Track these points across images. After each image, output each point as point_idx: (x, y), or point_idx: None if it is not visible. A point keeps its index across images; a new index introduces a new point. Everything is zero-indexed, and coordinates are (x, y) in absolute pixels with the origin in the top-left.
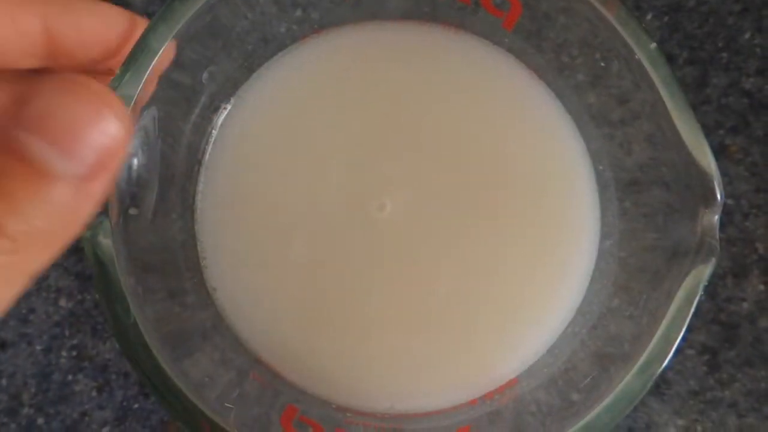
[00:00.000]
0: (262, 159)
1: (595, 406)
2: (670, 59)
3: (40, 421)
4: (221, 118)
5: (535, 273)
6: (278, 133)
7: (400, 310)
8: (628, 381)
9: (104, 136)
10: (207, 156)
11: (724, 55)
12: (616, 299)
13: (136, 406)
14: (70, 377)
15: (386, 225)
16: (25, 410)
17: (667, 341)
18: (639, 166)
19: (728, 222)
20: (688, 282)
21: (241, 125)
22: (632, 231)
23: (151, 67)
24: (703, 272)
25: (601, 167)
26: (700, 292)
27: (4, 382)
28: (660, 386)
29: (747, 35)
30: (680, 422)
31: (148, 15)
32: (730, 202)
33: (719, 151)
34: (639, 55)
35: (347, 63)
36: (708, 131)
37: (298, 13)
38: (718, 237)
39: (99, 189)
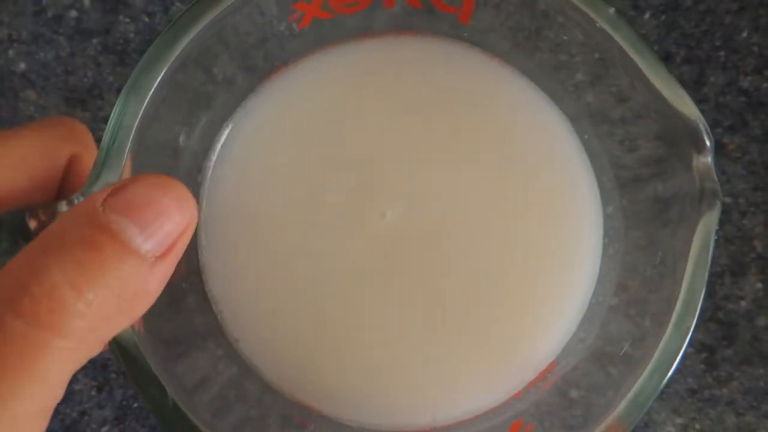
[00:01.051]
0: (263, 177)
1: (638, 371)
2: (668, 58)
3: None
4: (220, 141)
5: (546, 260)
6: (278, 151)
7: (417, 319)
8: (666, 340)
9: (178, 225)
10: (208, 178)
11: (722, 53)
12: (632, 260)
13: (135, 405)
14: None
15: (390, 235)
16: None
17: (693, 293)
18: (624, 124)
19: (726, 220)
20: (699, 231)
21: (241, 146)
22: (633, 194)
23: (129, 144)
24: (711, 218)
25: (586, 136)
26: (714, 237)
27: None
28: None
29: (744, 34)
30: (678, 420)
31: (148, 15)
32: (728, 200)
33: (717, 150)
34: (600, 23)
35: (339, 81)
36: None
37: (270, 46)
38: (716, 179)
39: (168, 268)
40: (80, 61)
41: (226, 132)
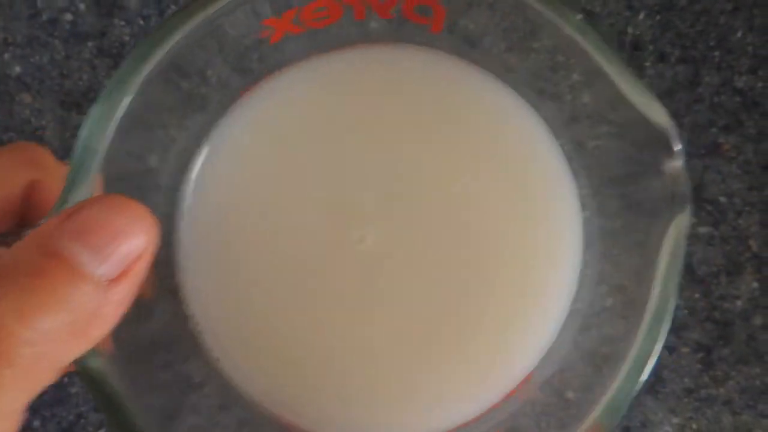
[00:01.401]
0: (240, 197)
1: (616, 374)
2: (663, 58)
3: (36, 423)
4: (199, 160)
5: (525, 271)
6: (255, 171)
7: (398, 336)
8: (638, 347)
9: (135, 246)
10: (187, 197)
11: (717, 53)
12: (609, 266)
13: None
14: (66, 379)
15: (370, 250)
16: None
17: (665, 298)
18: (596, 129)
19: (721, 220)
20: (670, 235)
21: (218, 165)
22: (607, 199)
23: (96, 164)
24: (681, 222)
25: (561, 141)
26: (685, 241)
27: None
28: (655, 385)
29: (739, 34)
30: (675, 420)
31: (143, 18)
32: (723, 200)
33: (712, 150)
34: (567, 29)
35: (314, 97)
36: (701, 130)
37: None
38: (687, 183)
39: (126, 291)
40: (75, 64)
41: (204, 150)
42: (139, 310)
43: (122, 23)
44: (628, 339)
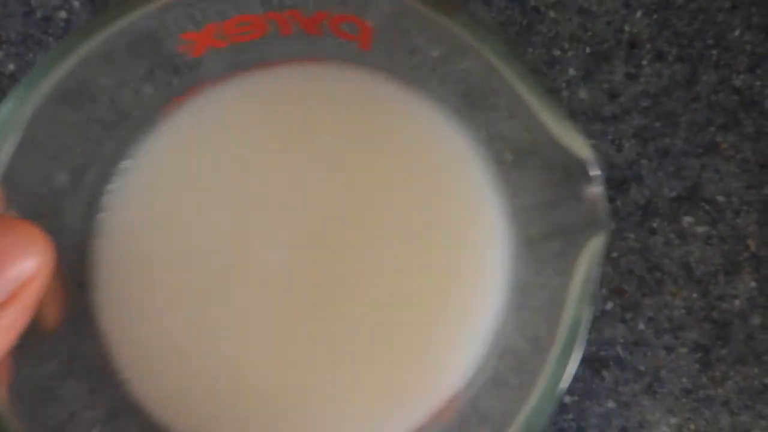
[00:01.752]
0: (156, 216)
1: (530, 396)
2: (660, 57)
3: None
4: (115, 179)
5: (449, 291)
6: (171, 190)
7: (315, 357)
8: (552, 366)
9: (24, 270)
10: (103, 216)
11: (714, 52)
12: (528, 290)
13: None
14: None
15: (286, 270)
16: None
17: (576, 325)
18: (520, 155)
19: (720, 219)
20: (582, 261)
21: (135, 184)
22: (530, 224)
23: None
24: (595, 246)
25: (485, 162)
26: (597, 266)
27: None
28: (652, 385)
29: (736, 32)
30: (673, 421)
31: None
32: (721, 199)
33: (710, 149)
34: (487, 55)
35: (235, 114)
36: (698, 129)
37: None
38: (605, 209)
39: (15, 315)
40: None
41: (120, 168)
42: (43, 337)
43: None
44: (542, 361)
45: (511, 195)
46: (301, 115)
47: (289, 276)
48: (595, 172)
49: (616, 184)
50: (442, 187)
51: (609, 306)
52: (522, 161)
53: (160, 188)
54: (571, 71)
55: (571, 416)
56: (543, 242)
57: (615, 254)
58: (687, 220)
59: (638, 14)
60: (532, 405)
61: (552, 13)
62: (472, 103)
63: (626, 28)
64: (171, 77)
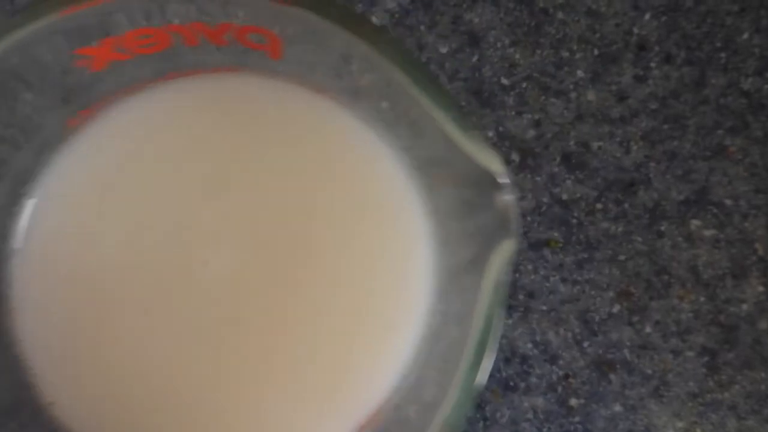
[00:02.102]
0: (74, 234)
1: (445, 399)
2: (668, 59)
3: None
4: (30, 196)
5: (373, 304)
6: (88, 207)
7: (243, 371)
8: (465, 372)
9: None
10: (18, 237)
11: (723, 55)
12: (449, 299)
13: None
14: None
15: (212, 285)
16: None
17: (487, 325)
18: (432, 166)
19: (727, 223)
20: (493, 262)
21: (50, 202)
22: (448, 236)
23: None
24: (505, 250)
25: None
26: (505, 270)
27: None
28: (659, 388)
29: (745, 35)
30: (680, 424)
31: None
32: (728, 202)
33: (718, 152)
34: (399, 74)
35: (147, 129)
36: (707, 132)
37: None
38: (516, 215)
39: None
40: None
41: (32, 187)
42: None
43: None
44: (457, 363)
45: (429, 203)
46: (211, 123)
47: (212, 290)
48: (504, 180)
49: (623, 187)
50: (358, 194)
51: (616, 309)
52: (436, 170)
53: (72, 204)
54: (580, 73)
55: (577, 419)
56: (462, 251)
57: (622, 257)
58: (695, 223)
59: (647, 16)
60: (449, 406)
61: (560, 15)
62: (382, 114)
63: (635, 30)
64: (75, 93)
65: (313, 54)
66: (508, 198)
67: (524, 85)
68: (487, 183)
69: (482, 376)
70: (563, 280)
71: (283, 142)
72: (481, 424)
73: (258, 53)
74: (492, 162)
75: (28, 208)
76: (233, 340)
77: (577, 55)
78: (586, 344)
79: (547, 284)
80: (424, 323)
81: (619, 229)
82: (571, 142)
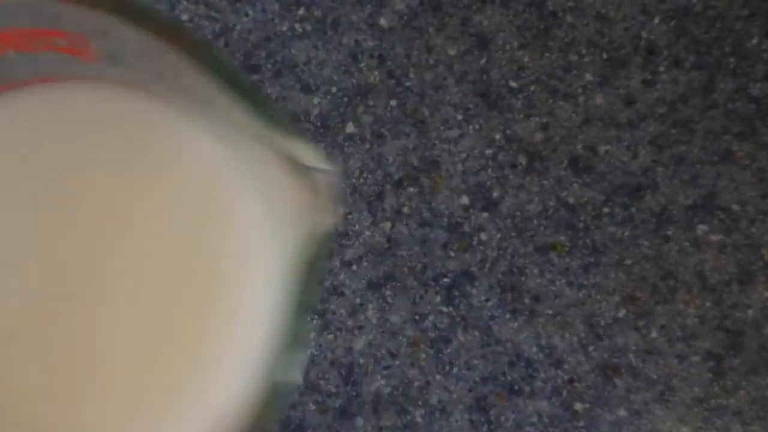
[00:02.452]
0: None
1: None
2: (677, 63)
3: None
4: None
5: (208, 312)
6: None
7: (76, 391)
8: (272, 382)
9: None
10: None
11: (732, 60)
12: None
13: None
14: None
15: (41, 305)
16: None
17: (302, 305)
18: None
19: (734, 228)
20: (309, 245)
21: None
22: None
23: None
24: (320, 233)
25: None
26: (319, 251)
27: None
28: (664, 393)
29: (754, 40)
30: (684, 430)
31: None
32: (736, 207)
33: (726, 157)
34: (213, 80)
35: None
36: (715, 137)
37: None
38: (333, 199)
39: None
40: None
41: None
42: None
43: None
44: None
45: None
46: (29, 138)
47: (42, 310)
48: (324, 167)
49: (630, 191)
50: (189, 195)
51: (622, 313)
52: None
53: None
54: (588, 76)
55: (582, 424)
56: (287, 240)
57: (628, 261)
58: (702, 228)
59: (656, 20)
60: (260, 404)
61: (569, 18)
62: (211, 114)
63: (644, 34)
64: None
65: (128, 55)
66: (320, 179)
67: (532, 88)
68: (303, 170)
69: (291, 367)
70: (569, 284)
71: (100, 155)
72: (485, 427)
73: (73, 58)
74: (301, 150)
75: None
76: (70, 362)
77: (586, 59)
78: (591, 348)
79: (553, 288)
80: (265, 329)
81: (626, 233)
82: (579, 146)
